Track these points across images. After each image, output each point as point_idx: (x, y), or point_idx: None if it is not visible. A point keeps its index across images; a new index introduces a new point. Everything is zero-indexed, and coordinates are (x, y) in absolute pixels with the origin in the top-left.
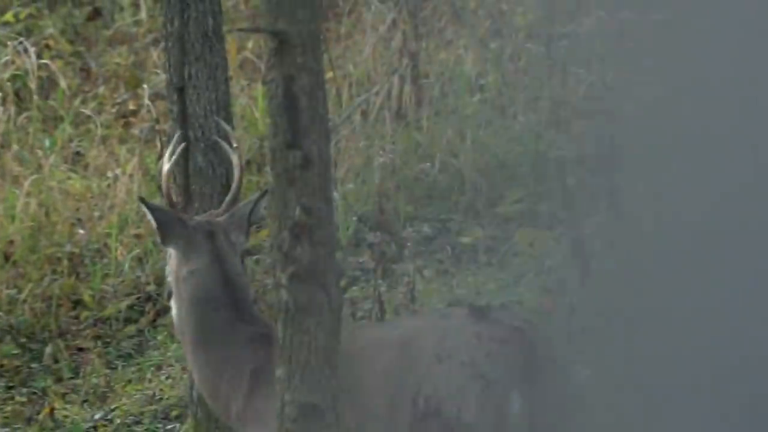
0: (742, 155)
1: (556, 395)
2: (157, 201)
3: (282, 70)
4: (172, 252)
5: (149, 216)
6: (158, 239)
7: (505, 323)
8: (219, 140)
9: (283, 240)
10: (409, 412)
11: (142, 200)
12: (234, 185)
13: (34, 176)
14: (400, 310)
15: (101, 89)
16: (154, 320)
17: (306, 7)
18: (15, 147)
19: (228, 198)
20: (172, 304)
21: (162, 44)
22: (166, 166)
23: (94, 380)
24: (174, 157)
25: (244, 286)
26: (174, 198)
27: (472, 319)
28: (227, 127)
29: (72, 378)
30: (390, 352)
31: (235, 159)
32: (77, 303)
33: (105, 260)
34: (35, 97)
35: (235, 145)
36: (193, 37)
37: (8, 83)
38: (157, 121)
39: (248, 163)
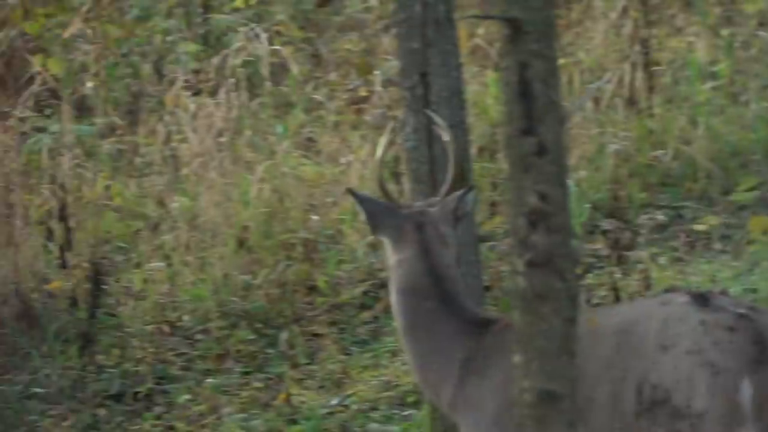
0: None
1: None
2: (390, 187)
3: (516, 57)
4: (385, 241)
5: (358, 207)
6: (369, 229)
7: (730, 310)
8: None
9: (519, 227)
10: (633, 401)
11: (350, 191)
12: (447, 176)
13: (267, 162)
14: (634, 298)
15: (332, 75)
16: (389, 307)
17: None
18: (248, 133)
19: (443, 189)
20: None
21: (393, 30)
22: (379, 152)
23: (330, 366)
24: (384, 146)
25: (452, 277)
26: (386, 186)
27: (694, 306)
28: (439, 120)
29: (308, 364)
30: (610, 340)
31: (449, 151)
32: (312, 289)
33: (339, 246)
34: (267, 83)
35: (446, 138)
36: (424, 24)
37: (240, 69)
38: (389, 107)
39: (480, 150)
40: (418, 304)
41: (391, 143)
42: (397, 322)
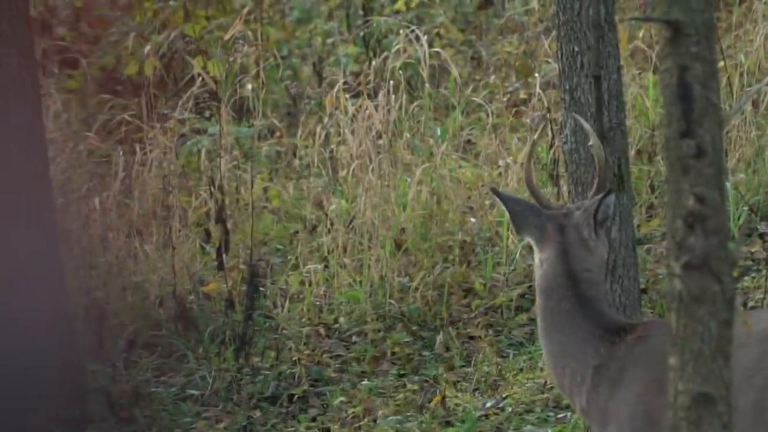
0: None
1: None
2: (547, 190)
3: (676, 60)
4: (530, 240)
5: (503, 206)
6: (513, 229)
7: None
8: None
9: (676, 229)
10: None
11: (493, 190)
12: (596, 181)
13: (426, 164)
14: None
15: (492, 78)
16: None
17: None
18: (407, 135)
19: (592, 192)
20: None
21: (553, 33)
22: (526, 150)
23: (486, 368)
24: (532, 145)
25: (590, 281)
26: (534, 186)
27: None
28: (586, 125)
29: (463, 366)
30: (753, 348)
31: (598, 154)
32: (468, 291)
33: (496, 248)
34: (426, 85)
35: (591, 143)
36: (584, 26)
37: (400, 71)
38: (549, 110)
39: (639, 152)
40: (555, 305)
41: (535, 143)
42: (538, 322)
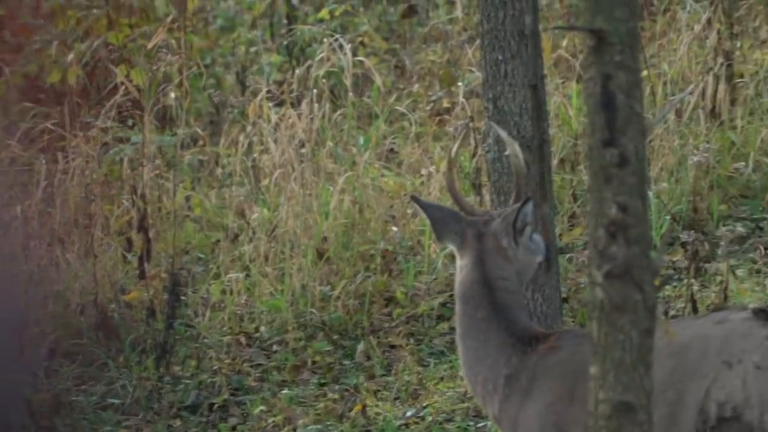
0: None
1: None
2: (469, 199)
3: (600, 69)
4: (451, 247)
5: (423, 214)
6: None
7: None
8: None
9: (598, 238)
10: (694, 421)
11: (414, 198)
12: (515, 190)
13: (348, 173)
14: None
15: (415, 87)
16: None
17: (624, 5)
18: (330, 144)
19: (512, 200)
20: None
21: (477, 42)
22: (450, 157)
23: (406, 378)
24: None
25: (506, 289)
26: (456, 193)
27: (758, 321)
28: (503, 133)
29: (384, 375)
30: (664, 363)
31: (516, 163)
32: (390, 300)
33: (418, 257)
34: (350, 94)
35: (508, 152)
36: (509, 35)
37: (323, 80)
38: (472, 118)
39: (561, 161)
40: (471, 312)
41: (457, 152)
42: (456, 327)
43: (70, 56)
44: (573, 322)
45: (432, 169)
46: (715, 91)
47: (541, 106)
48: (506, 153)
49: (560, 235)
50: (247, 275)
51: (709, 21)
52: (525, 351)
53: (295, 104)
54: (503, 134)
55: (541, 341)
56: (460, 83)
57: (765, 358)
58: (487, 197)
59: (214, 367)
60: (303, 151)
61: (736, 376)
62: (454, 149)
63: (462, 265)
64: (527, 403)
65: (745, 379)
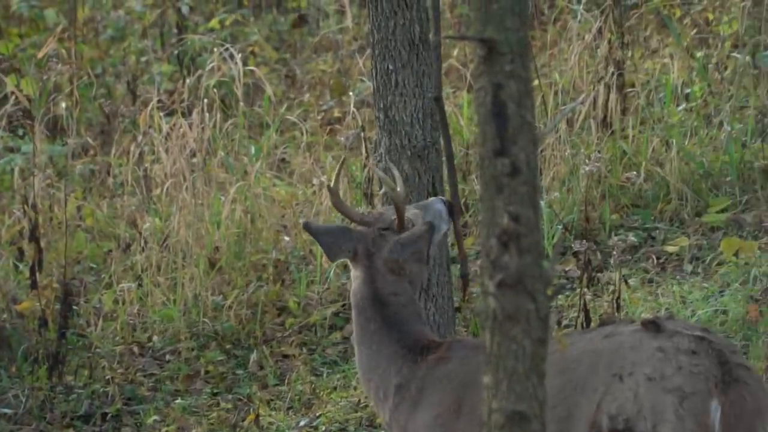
0: None
1: (754, 401)
2: (362, 208)
3: (490, 78)
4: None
5: (316, 240)
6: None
7: (686, 333)
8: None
9: (491, 247)
10: None
11: (306, 227)
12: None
13: (240, 183)
14: (605, 319)
15: (306, 96)
16: None
17: (515, 14)
18: (221, 153)
19: (397, 221)
20: None
21: (368, 51)
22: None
23: (299, 387)
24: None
25: (399, 303)
26: (344, 208)
27: (647, 333)
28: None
29: (277, 385)
30: (556, 379)
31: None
32: (282, 310)
33: (310, 267)
34: (241, 103)
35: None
36: (399, 45)
37: (214, 90)
38: (363, 128)
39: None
40: (364, 322)
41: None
42: (353, 331)
43: None
44: (466, 331)
45: (324, 178)
46: (607, 101)
47: (445, 118)
48: (397, 189)
49: (452, 244)
50: (140, 285)
51: (600, 30)
52: (415, 361)
53: (186, 114)
54: (392, 176)
55: (432, 351)
56: (351, 93)
57: (656, 369)
58: (378, 206)
59: (107, 377)
60: (194, 160)
61: (628, 389)
62: (340, 167)
63: (355, 276)
64: (416, 413)
65: (636, 391)
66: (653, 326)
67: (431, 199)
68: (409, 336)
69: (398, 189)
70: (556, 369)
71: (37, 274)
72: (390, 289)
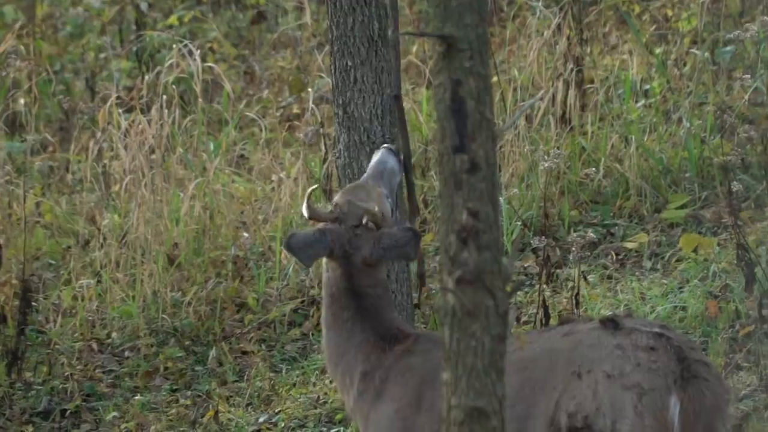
0: None
1: (713, 396)
2: (321, 204)
3: (450, 74)
4: None
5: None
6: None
7: (644, 330)
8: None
9: (450, 244)
10: None
11: (289, 248)
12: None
13: (199, 179)
14: (564, 315)
15: (265, 93)
16: (318, 324)
17: (474, 11)
18: (180, 150)
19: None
20: None
21: (326, 48)
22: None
23: (259, 383)
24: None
25: (375, 294)
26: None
27: (605, 331)
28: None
29: (236, 381)
30: (515, 378)
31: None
32: (241, 306)
33: (269, 263)
34: (200, 100)
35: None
36: (358, 41)
37: (173, 86)
38: (322, 124)
39: (412, 167)
40: (337, 310)
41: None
42: (322, 314)
43: None
44: (425, 328)
45: (282, 174)
46: (566, 97)
47: (403, 117)
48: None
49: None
50: (99, 281)
51: (559, 27)
52: (384, 350)
53: (145, 110)
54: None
55: (400, 341)
56: (309, 89)
57: (615, 366)
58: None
59: (66, 374)
60: (153, 157)
61: (587, 386)
62: (307, 196)
63: (331, 268)
64: (378, 403)
65: (595, 388)
66: (611, 324)
67: (380, 152)
68: (382, 324)
69: (376, 209)
70: (516, 367)
71: None
72: (367, 281)
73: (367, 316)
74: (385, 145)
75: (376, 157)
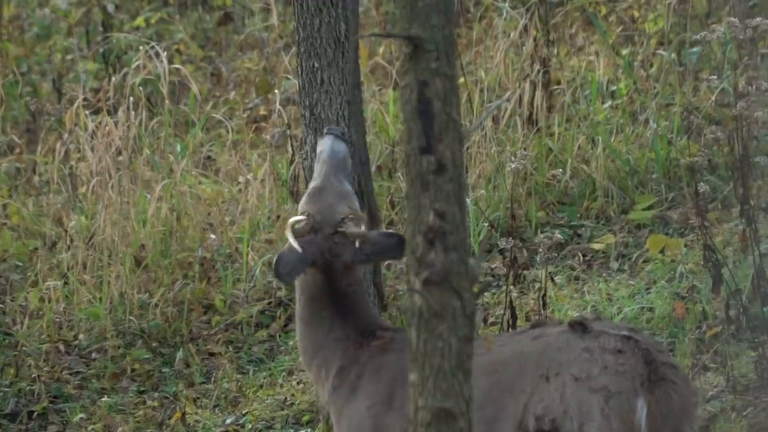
0: None
1: (680, 399)
2: (287, 207)
3: (416, 75)
4: None
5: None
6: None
7: (612, 333)
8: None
9: (416, 245)
10: None
11: (282, 278)
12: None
13: (166, 181)
14: (531, 316)
15: (232, 94)
16: (286, 325)
17: (441, 12)
18: (147, 152)
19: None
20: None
21: (293, 49)
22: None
23: (226, 385)
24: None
25: (355, 293)
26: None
27: (574, 334)
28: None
29: (203, 383)
30: (483, 380)
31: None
32: (209, 308)
33: (236, 265)
34: (167, 101)
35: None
36: (325, 43)
37: (140, 88)
38: (289, 126)
39: (379, 168)
40: (316, 309)
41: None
42: (297, 308)
43: None
44: None
45: (249, 176)
46: (532, 98)
47: (362, 123)
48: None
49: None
50: (66, 283)
51: (525, 28)
52: (361, 345)
53: (112, 112)
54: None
55: (377, 338)
56: (276, 91)
57: (582, 369)
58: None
59: (33, 375)
60: (120, 158)
61: (554, 389)
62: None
63: (310, 272)
64: (352, 399)
65: (563, 391)
66: (580, 327)
67: (327, 142)
68: (362, 320)
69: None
70: (485, 370)
71: None
72: (347, 281)
73: (348, 314)
74: (328, 130)
75: (325, 147)
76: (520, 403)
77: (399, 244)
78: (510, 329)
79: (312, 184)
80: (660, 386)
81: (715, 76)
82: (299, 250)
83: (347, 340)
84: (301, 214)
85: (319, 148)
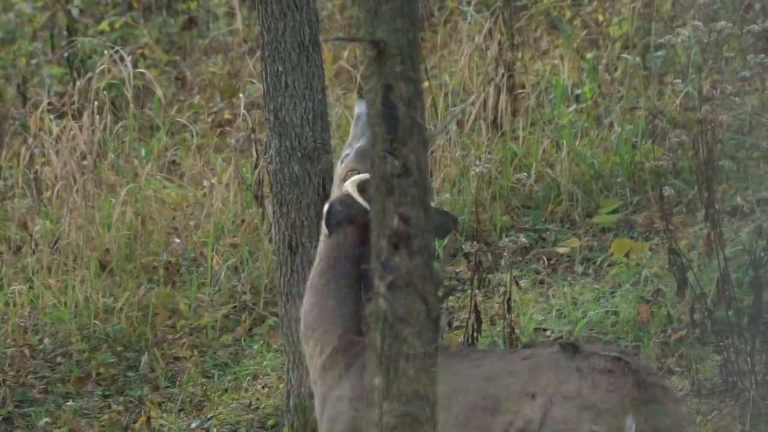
0: None
1: (670, 420)
2: (252, 211)
3: (380, 79)
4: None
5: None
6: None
7: (603, 354)
8: None
9: (381, 249)
10: None
11: (331, 215)
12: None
13: (130, 185)
14: (496, 320)
15: (197, 98)
16: (251, 329)
17: (405, 16)
18: (111, 156)
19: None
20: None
21: (257, 53)
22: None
23: (191, 389)
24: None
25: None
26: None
27: (565, 355)
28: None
29: (168, 387)
30: (466, 397)
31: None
32: (173, 312)
33: (201, 269)
34: (131, 106)
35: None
36: (289, 47)
37: (104, 92)
38: (253, 130)
39: None
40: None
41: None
42: (312, 279)
43: None
44: None
45: (214, 180)
46: (497, 102)
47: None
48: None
49: None
50: (30, 287)
51: (490, 32)
52: (360, 332)
53: (77, 116)
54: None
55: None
56: (241, 95)
57: (572, 388)
58: (269, 209)
59: None
60: (85, 163)
61: (541, 407)
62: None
63: (345, 232)
64: (337, 387)
65: (550, 409)
66: (571, 348)
67: (361, 106)
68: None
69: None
70: (473, 387)
71: None
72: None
73: (365, 287)
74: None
75: (364, 109)
76: (506, 422)
77: (453, 222)
78: (474, 333)
79: (356, 144)
80: (649, 406)
81: (680, 80)
82: (365, 205)
83: (351, 319)
84: (351, 171)
85: (357, 110)
